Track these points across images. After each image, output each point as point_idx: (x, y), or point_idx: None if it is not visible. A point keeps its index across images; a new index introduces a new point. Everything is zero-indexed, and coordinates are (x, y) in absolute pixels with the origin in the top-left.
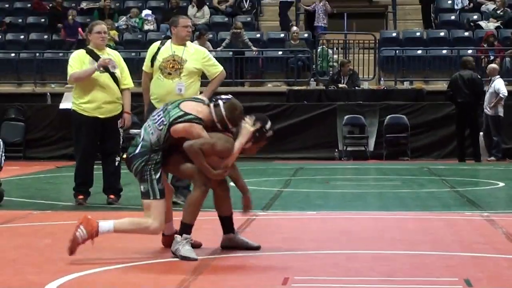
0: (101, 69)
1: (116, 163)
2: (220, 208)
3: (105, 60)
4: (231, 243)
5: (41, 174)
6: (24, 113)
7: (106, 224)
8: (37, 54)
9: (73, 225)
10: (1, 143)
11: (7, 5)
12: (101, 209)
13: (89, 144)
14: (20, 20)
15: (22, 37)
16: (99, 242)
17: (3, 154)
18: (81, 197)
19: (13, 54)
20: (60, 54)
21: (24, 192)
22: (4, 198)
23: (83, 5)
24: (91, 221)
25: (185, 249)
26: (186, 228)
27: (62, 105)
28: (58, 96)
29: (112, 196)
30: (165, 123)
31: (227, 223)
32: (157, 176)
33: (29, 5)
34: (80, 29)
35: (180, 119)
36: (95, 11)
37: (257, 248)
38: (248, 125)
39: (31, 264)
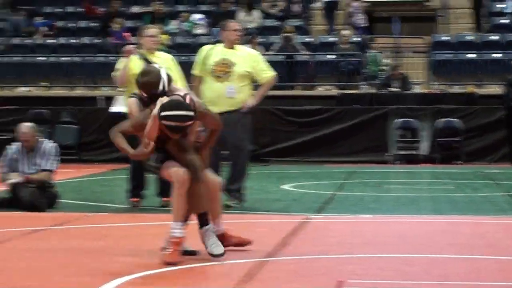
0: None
1: None
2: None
3: (126, 49)
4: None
5: (96, 176)
6: (77, 116)
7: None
8: (89, 58)
9: (127, 228)
10: (57, 147)
11: (59, 10)
12: (155, 212)
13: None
14: (71, 25)
15: (73, 41)
16: (153, 244)
17: (59, 158)
18: (135, 199)
19: (65, 58)
20: (111, 58)
21: (79, 195)
22: (59, 200)
23: (134, 9)
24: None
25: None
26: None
27: (113, 109)
28: (109, 100)
29: (165, 199)
30: None
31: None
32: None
33: (80, 9)
34: (125, 34)
35: None
36: (146, 16)
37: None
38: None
39: (84, 266)
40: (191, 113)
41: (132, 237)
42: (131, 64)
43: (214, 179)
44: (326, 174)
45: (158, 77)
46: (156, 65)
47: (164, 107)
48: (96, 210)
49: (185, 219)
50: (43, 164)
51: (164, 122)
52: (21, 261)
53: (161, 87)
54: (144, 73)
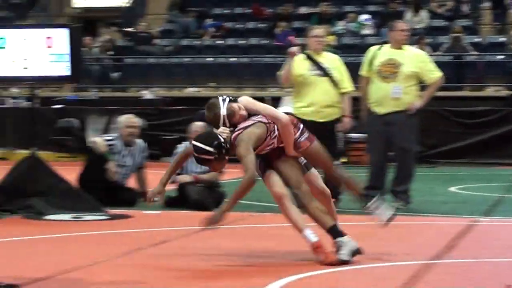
0: (319, 72)
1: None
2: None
3: (291, 51)
4: None
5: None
6: None
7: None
8: (257, 59)
9: (291, 228)
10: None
11: (227, 11)
12: None
13: None
14: (240, 26)
15: (242, 42)
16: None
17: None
18: None
19: (233, 59)
20: (279, 59)
21: None
22: (225, 199)
23: (302, 10)
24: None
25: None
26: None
27: (280, 109)
28: (277, 100)
29: (332, 200)
30: None
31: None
32: None
33: (249, 11)
34: (290, 37)
35: None
36: (314, 16)
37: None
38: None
39: (252, 265)
40: (209, 149)
41: (297, 237)
42: (295, 64)
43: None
44: (494, 176)
45: (217, 115)
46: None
47: (195, 138)
48: (260, 210)
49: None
50: None
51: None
52: (188, 260)
53: (221, 124)
54: (207, 108)
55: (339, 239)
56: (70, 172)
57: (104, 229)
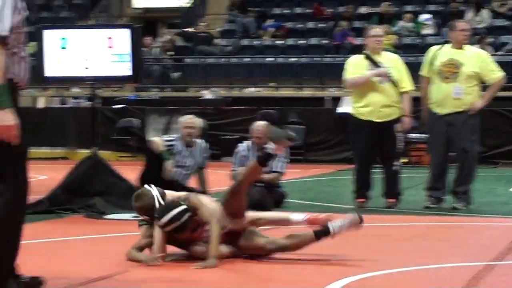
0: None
1: (395, 168)
2: None
3: (380, 72)
4: None
5: (322, 177)
6: (304, 117)
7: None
8: (317, 59)
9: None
10: (286, 150)
11: (287, 11)
12: (379, 213)
13: (366, 147)
14: (300, 26)
15: (302, 42)
16: (377, 245)
17: (288, 160)
18: (360, 200)
19: (293, 59)
20: (338, 59)
21: (304, 194)
22: (286, 200)
23: (363, 9)
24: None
25: None
26: None
27: (340, 109)
28: (336, 100)
29: (391, 200)
30: None
31: None
32: None
33: (309, 10)
34: (349, 38)
35: None
36: (374, 16)
37: None
38: None
39: (311, 265)
40: (183, 207)
41: (358, 238)
42: (354, 64)
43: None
44: None
45: (151, 199)
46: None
47: (158, 215)
48: (321, 210)
49: None
50: (274, 165)
51: (167, 228)
52: (246, 260)
53: (157, 205)
54: (136, 197)
55: (330, 228)
56: (130, 171)
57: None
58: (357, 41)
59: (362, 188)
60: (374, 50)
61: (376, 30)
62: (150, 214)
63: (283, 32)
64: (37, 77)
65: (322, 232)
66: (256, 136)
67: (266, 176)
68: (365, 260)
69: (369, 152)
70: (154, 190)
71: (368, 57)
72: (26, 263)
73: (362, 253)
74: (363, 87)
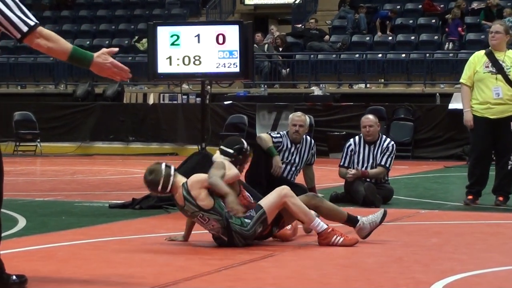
0: (493, 69)
1: (509, 166)
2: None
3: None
4: None
5: (430, 173)
6: (413, 113)
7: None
8: (427, 55)
9: (460, 225)
10: (394, 145)
11: (398, 7)
12: (489, 210)
13: (481, 144)
14: (411, 21)
15: (412, 38)
16: (489, 243)
17: (393, 156)
18: (470, 197)
19: (403, 55)
20: (450, 55)
21: (412, 191)
22: (393, 196)
23: (474, 5)
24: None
25: None
26: None
27: (451, 106)
28: (447, 97)
29: (500, 198)
30: None
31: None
32: None
33: (420, 6)
34: (460, 29)
35: None
36: (483, 11)
37: None
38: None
39: (418, 262)
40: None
41: (465, 235)
42: (474, 61)
43: None
44: None
45: (159, 175)
46: None
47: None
48: (429, 207)
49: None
50: (381, 160)
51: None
52: (352, 256)
53: (160, 183)
54: (148, 172)
55: (359, 221)
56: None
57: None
58: (469, 36)
59: (474, 184)
60: (492, 46)
61: (495, 26)
62: (155, 190)
63: (389, 26)
64: (150, 74)
65: (352, 218)
66: (365, 128)
67: (371, 171)
68: (473, 257)
69: (484, 149)
70: (167, 168)
71: (488, 54)
72: (133, 258)
73: (469, 251)
74: (479, 84)
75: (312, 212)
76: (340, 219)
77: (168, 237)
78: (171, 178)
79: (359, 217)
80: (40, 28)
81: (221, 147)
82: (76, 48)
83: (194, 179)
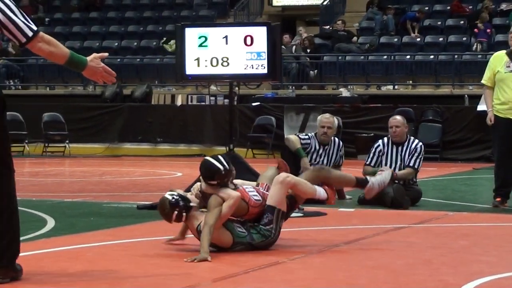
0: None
1: None
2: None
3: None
4: None
5: (458, 175)
6: (442, 115)
7: None
8: (456, 56)
9: (489, 227)
10: (422, 146)
11: (426, 8)
12: None
13: (503, 145)
14: (439, 23)
15: (441, 39)
16: None
17: (422, 157)
18: (498, 199)
19: (431, 56)
20: (479, 56)
21: (441, 193)
22: (422, 198)
23: (503, 6)
24: None
25: None
26: None
27: (480, 107)
28: (475, 98)
29: None
30: None
31: None
32: None
33: (448, 7)
34: (488, 30)
35: None
36: (511, 12)
37: None
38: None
39: (446, 264)
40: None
41: (494, 238)
42: (494, 62)
43: None
44: None
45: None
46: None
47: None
48: (457, 209)
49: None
50: (410, 161)
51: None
52: (381, 258)
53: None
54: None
55: (369, 182)
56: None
57: (298, 226)
58: (498, 37)
59: (501, 186)
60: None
61: None
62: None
63: (418, 27)
64: (178, 75)
65: (362, 180)
66: (392, 128)
67: (400, 172)
68: (502, 260)
69: (507, 150)
70: (173, 197)
71: (509, 54)
72: (161, 259)
73: (498, 253)
74: (501, 85)
75: (313, 186)
76: (351, 184)
77: (167, 240)
78: (184, 211)
79: (368, 177)
80: (42, 33)
81: (201, 182)
82: (73, 53)
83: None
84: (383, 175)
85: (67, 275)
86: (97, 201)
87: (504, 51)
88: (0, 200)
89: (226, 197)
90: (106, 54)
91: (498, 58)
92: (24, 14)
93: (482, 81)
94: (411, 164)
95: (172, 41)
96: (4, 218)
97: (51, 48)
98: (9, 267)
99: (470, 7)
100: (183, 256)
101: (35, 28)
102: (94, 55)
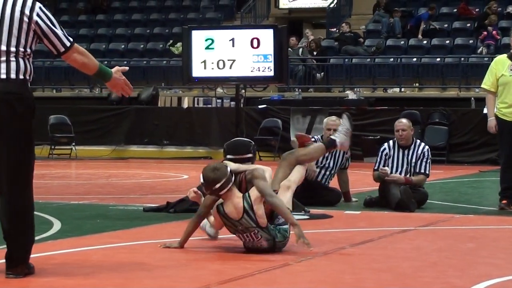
0: None
1: None
2: None
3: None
4: None
5: (465, 178)
6: (448, 117)
7: None
8: (462, 59)
9: (496, 230)
10: (429, 150)
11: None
12: None
13: (509, 149)
14: (445, 25)
15: (447, 42)
16: None
17: (430, 161)
18: (504, 201)
19: (438, 59)
20: (485, 59)
21: (447, 196)
22: (428, 200)
23: (509, 9)
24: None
25: None
26: None
27: (486, 110)
28: (482, 101)
29: None
30: None
31: None
32: None
33: (455, 10)
34: (494, 33)
35: None
36: None
37: None
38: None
39: (453, 267)
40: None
41: (501, 240)
42: (497, 66)
43: None
44: None
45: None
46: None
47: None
48: (464, 211)
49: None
50: (421, 167)
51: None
52: (388, 261)
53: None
54: (212, 168)
55: (336, 140)
56: (272, 171)
57: (304, 228)
58: (504, 40)
59: (507, 189)
60: None
61: None
62: (210, 187)
63: (428, 31)
64: (184, 77)
65: (330, 142)
66: (399, 131)
67: (414, 178)
68: (509, 262)
69: None
70: (230, 173)
71: (510, 57)
72: (168, 262)
73: (505, 255)
74: (505, 88)
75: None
76: (322, 151)
77: (163, 244)
78: (231, 184)
79: (332, 136)
80: (77, 45)
81: (234, 155)
82: (101, 65)
83: (255, 193)
84: (342, 124)
85: (73, 277)
86: (104, 204)
87: (505, 55)
88: (17, 200)
89: (262, 170)
90: (127, 68)
91: (501, 62)
92: (61, 26)
93: (484, 86)
94: (422, 171)
95: (179, 44)
96: (20, 218)
97: (84, 59)
98: (24, 265)
99: (477, 9)
100: (190, 259)
101: (71, 39)
102: (117, 68)
